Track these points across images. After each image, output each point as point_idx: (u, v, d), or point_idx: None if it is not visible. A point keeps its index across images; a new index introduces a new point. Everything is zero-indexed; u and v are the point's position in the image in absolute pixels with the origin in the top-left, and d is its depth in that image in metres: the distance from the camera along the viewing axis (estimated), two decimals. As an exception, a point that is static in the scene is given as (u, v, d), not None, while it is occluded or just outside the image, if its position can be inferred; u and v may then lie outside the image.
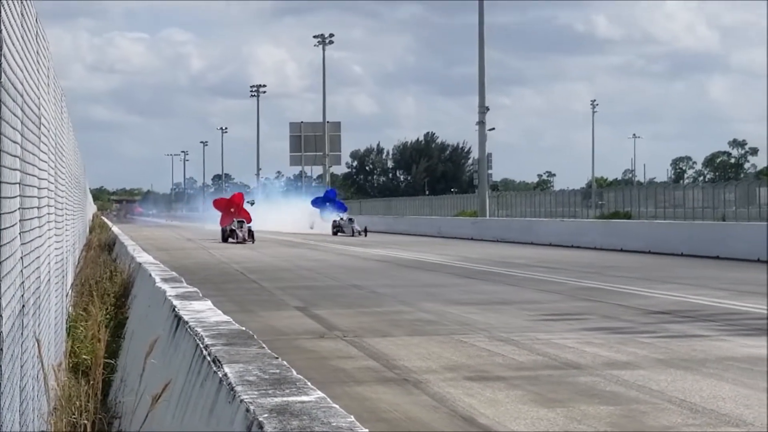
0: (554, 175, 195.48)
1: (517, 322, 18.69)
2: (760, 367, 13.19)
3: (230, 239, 62.27)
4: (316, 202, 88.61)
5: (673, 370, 13.04)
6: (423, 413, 10.65)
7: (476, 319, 19.09)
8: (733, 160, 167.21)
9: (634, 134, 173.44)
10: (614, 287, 25.95)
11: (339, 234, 75.85)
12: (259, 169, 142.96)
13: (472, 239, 65.39)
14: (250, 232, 62.11)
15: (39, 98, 7.77)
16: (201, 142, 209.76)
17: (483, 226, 69.01)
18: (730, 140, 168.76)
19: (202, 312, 7.89)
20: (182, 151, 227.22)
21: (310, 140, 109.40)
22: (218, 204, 74.35)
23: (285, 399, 4.14)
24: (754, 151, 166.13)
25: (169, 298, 9.31)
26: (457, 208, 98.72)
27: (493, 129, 78.96)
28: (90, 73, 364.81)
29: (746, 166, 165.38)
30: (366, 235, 72.97)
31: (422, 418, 10.39)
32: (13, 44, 5.53)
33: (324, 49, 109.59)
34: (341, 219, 78.43)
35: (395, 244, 57.27)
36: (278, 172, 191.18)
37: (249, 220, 65.72)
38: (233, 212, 68.39)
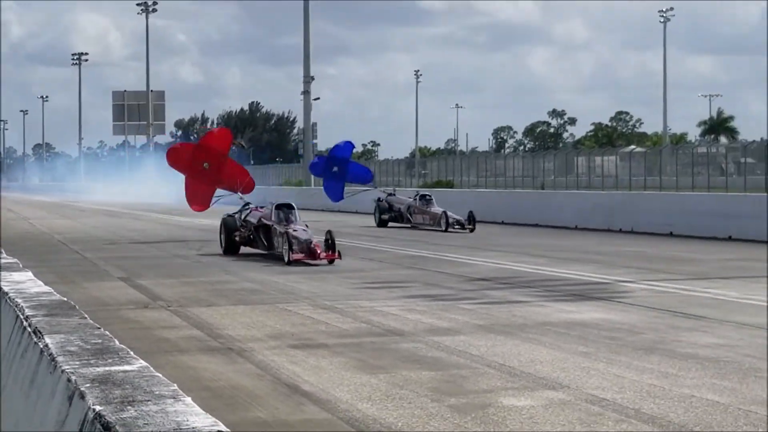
0: (378, 144, 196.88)
1: (340, 290, 18.85)
2: (576, 332, 13.61)
3: (249, 248, 28.15)
4: (317, 167, 45.81)
5: (493, 336, 13.35)
6: (247, 381, 10.70)
7: (301, 288, 19.18)
8: (552, 130, 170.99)
9: (456, 104, 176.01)
10: (437, 255, 26.34)
11: (391, 224, 41.12)
12: (81, 139, 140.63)
13: (298, 209, 65.30)
14: (332, 242, 24.64)
15: None
16: (21, 111, 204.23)
17: (308, 194, 69.14)
18: (550, 110, 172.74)
19: (23, 283, 7.78)
20: (0, 121, 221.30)
21: (134, 109, 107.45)
22: (175, 156, 33.41)
23: (107, 369, 4.14)
24: (573, 121, 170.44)
25: (-12, 269, 9.14)
26: (282, 177, 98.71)
27: (318, 99, 79.00)
28: None
29: (565, 135, 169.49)
30: (474, 229, 36.72)
31: (246, 386, 10.44)
32: None
33: (147, 17, 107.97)
34: (389, 195, 42.83)
35: (221, 214, 56.87)
36: (101, 141, 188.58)
37: (250, 188, 32.54)
38: (207, 172, 32.43)
